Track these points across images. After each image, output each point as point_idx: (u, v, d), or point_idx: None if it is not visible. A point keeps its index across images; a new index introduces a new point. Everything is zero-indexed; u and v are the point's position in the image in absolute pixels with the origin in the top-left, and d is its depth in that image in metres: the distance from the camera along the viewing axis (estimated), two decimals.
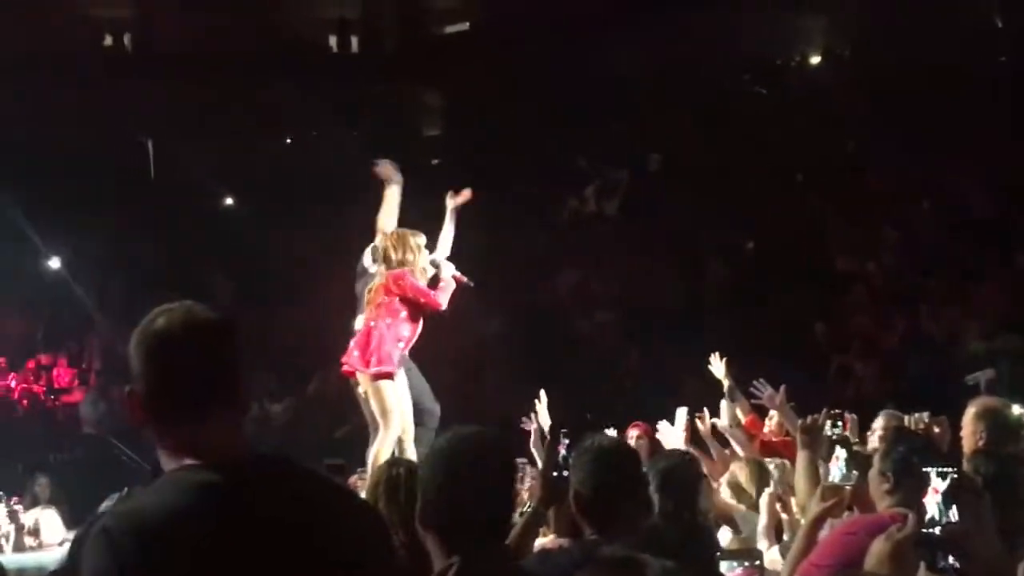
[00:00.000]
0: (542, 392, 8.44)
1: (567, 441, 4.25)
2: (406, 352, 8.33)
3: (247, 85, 21.69)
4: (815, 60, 20.85)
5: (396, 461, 5.14)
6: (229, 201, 23.94)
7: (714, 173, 18.99)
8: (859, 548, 4.44)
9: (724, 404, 8.45)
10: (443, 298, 8.11)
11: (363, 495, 4.45)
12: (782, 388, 7.78)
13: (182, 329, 2.49)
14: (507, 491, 3.28)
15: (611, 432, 7.04)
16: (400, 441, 8.14)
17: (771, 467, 6.97)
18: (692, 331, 14.82)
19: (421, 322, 8.19)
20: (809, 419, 5.83)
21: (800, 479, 5.78)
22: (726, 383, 8.45)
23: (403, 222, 8.80)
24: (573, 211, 20.32)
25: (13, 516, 9.38)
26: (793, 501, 6.40)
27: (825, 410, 5.82)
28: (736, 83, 20.82)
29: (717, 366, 8.52)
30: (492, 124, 22.88)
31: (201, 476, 2.39)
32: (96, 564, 2.31)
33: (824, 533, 5.07)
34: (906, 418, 6.95)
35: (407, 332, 8.11)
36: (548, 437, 4.15)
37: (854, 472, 5.21)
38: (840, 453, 5.23)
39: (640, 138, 21.08)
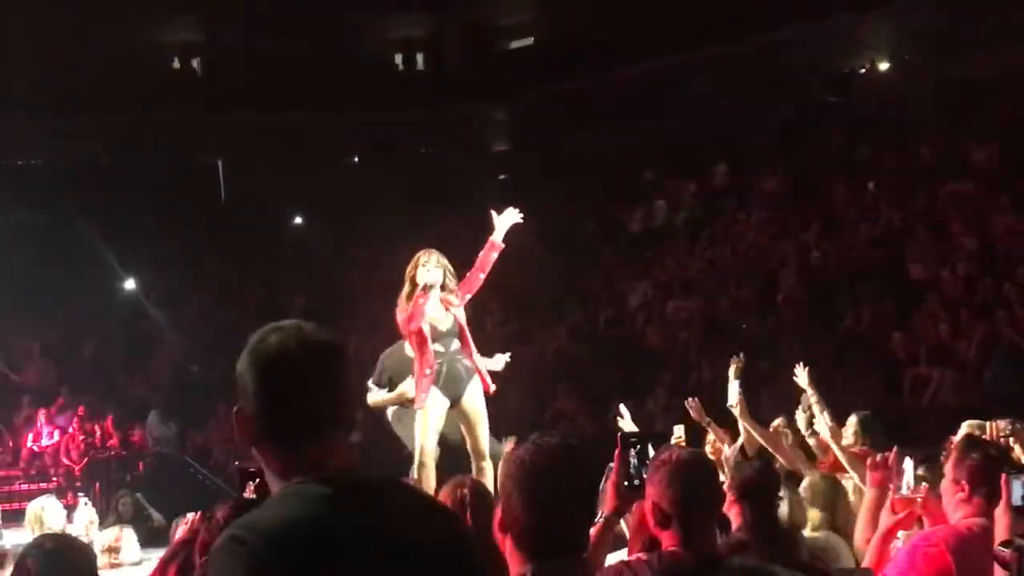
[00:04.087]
0: (622, 407, 8.37)
1: (635, 450, 4.15)
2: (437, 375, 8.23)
3: (313, 104, 21.83)
4: (884, 67, 20.59)
5: (462, 481, 5.11)
6: (298, 220, 24.14)
7: (782, 184, 18.85)
8: (941, 563, 4.35)
9: (799, 415, 8.33)
10: (412, 323, 8.13)
11: None
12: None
13: (297, 348, 2.49)
14: (588, 503, 3.24)
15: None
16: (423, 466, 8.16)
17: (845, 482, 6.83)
18: (766, 343, 14.69)
19: (430, 339, 8.15)
20: (880, 457, 5.41)
21: (861, 519, 5.37)
22: (810, 393, 8.31)
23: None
24: (641, 225, 20.24)
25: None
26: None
27: (896, 449, 5.36)
28: (806, 93, 20.64)
29: (801, 376, 8.38)
30: (558, 139, 22.86)
31: (319, 489, 2.40)
32: (231, 571, 2.31)
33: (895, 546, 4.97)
34: (987, 425, 6.80)
35: (430, 357, 8.15)
36: (619, 445, 4.07)
37: (923, 483, 5.10)
38: (908, 464, 5.12)
39: (705, 151, 20.97)
